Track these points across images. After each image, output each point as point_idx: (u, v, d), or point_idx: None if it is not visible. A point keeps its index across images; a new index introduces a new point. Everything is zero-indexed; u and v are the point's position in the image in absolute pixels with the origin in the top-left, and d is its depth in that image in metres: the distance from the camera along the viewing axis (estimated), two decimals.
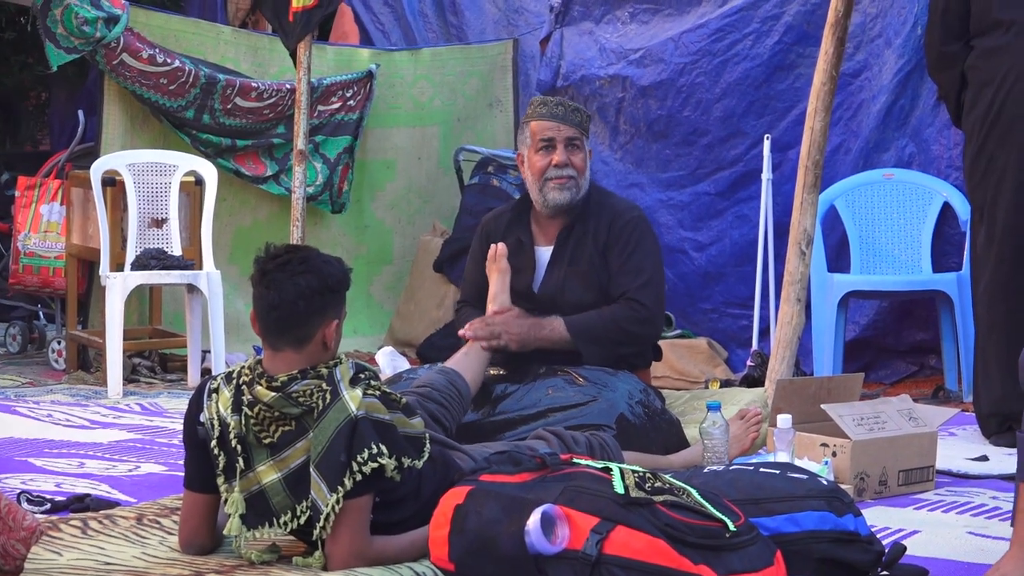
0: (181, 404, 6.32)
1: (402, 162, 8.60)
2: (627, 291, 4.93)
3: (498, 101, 8.81)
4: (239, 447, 3.60)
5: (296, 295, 3.56)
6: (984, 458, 5.17)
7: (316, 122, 7.97)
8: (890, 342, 7.22)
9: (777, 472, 3.54)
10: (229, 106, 7.67)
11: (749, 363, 6.84)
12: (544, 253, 5.08)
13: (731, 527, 3.09)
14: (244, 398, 3.60)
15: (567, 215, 5.03)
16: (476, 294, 5.19)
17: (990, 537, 4.06)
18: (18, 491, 4.42)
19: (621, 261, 4.97)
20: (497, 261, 5.04)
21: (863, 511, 3.54)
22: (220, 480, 3.64)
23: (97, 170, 7.07)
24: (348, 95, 8.17)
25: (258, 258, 3.64)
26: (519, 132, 5.16)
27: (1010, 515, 4.30)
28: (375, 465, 3.47)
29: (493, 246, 5.06)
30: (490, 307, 4.97)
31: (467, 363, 4.77)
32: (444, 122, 8.72)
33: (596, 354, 4.89)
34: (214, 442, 3.62)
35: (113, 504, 4.35)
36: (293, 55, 6.87)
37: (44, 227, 7.75)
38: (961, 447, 5.41)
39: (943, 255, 7.05)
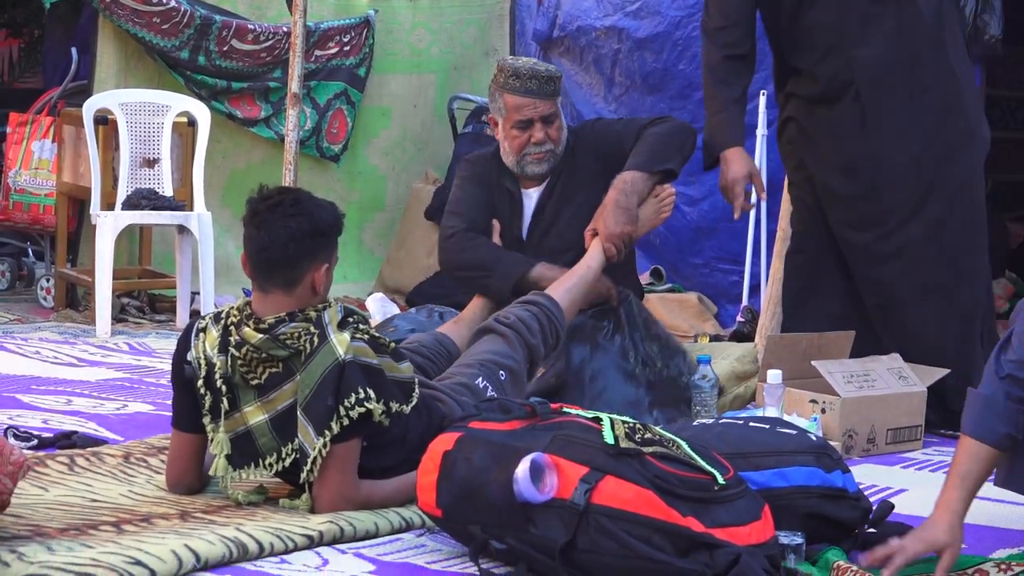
0: (169, 344, 6.31)
1: (398, 109, 8.57)
2: (643, 124, 4.96)
3: (494, 50, 8.77)
4: (224, 387, 3.60)
5: (287, 237, 3.56)
6: None
7: (313, 67, 7.94)
8: None
9: (766, 427, 3.53)
10: (225, 48, 7.63)
11: (739, 319, 6.83)
12: (528, 198, 5.06)
13: (720, 480, 3.09)
14: (231, 339, 3.60)
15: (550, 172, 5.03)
16: (483, 219, 5.01)
17: (976, 497, 4.05)
18: (5, 426, 4.42)
19: (619, 130, 5.00)
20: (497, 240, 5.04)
21: (851, 468, 3.54)
22: (206, 420, 3.64)
23: (89, 108, 7.03)
24: (345, 40, 8.14)
25: (250, 199, 3.64)
26: (491, 97, 5.05)
27: (993, 477, 4.32)
28: (362, 410, 3.47)
29: (495, 223, 5.02)
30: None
31: (457, 330, 4.76)
32: (441, 70, 8.69)
33: (680, 161, 4.93)
34: (200, 382, 3.62)
35: (100, 442, 4.36)
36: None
37: (35, 164, 7.72)
38: None
39: None
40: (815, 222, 5.19)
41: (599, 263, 4.74)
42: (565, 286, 4.64)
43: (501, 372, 4.26)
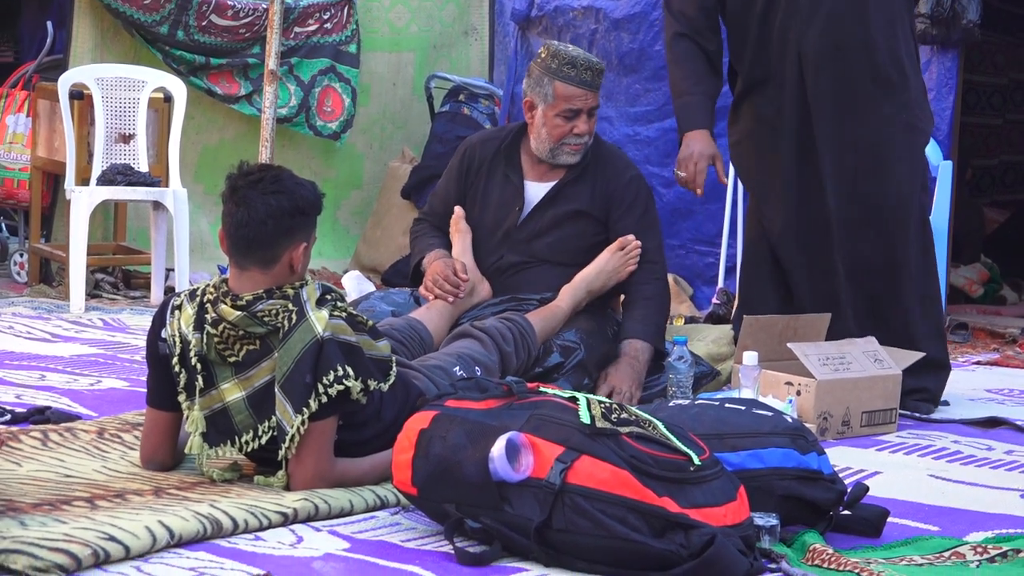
0: (143, 320, 6.30)
1: (376, 87, 8.55)
2: (647, 251, 4.94)
3: (474, 29, 8.76)
4: (199, 365, 3.58)
5: (266, 214, 3.53)
6: (945, 403, 5.19)
7: (292, 44, 7.91)
8: None
9: (743, 408, 3.53)
10: (205, 23, 7.60)
11: (715, 300, 6.85)
12: (534, 189, 5.01)
13: (696, 461, 3.09)
14: (208, 316, 3.58)
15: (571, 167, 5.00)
16: (443, 211, 5.11)
17: (950, 480, 4.08)
18: None
19: (634, 217, 4.98)
20: (457, 224, 5.02)
21: (826, 450, 3.54)
22: (181, 398, 3.63)
23: (65, 83, 7.00)
24: (325, 18, 8.11)
25: (230, 175, 3.61)
26: (536, 80, 4.91)
27: (971, 460, 4.34)
28: (341, 387, 3.46)
29: (457, 208, 5.03)
30: (456, 266, 4.91)
31: (429, 316, 4.75)
32: (420, 48, 8.67)
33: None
34: (175, 359, 3.60)
35: (74, 417, 4.34)
36: None
37: (9, 138, 7.68)
38: None
39: None
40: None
41: (571, 308, 4.87)
42: (539, 317, 4.76)
43: (477, 368, 4.29)
